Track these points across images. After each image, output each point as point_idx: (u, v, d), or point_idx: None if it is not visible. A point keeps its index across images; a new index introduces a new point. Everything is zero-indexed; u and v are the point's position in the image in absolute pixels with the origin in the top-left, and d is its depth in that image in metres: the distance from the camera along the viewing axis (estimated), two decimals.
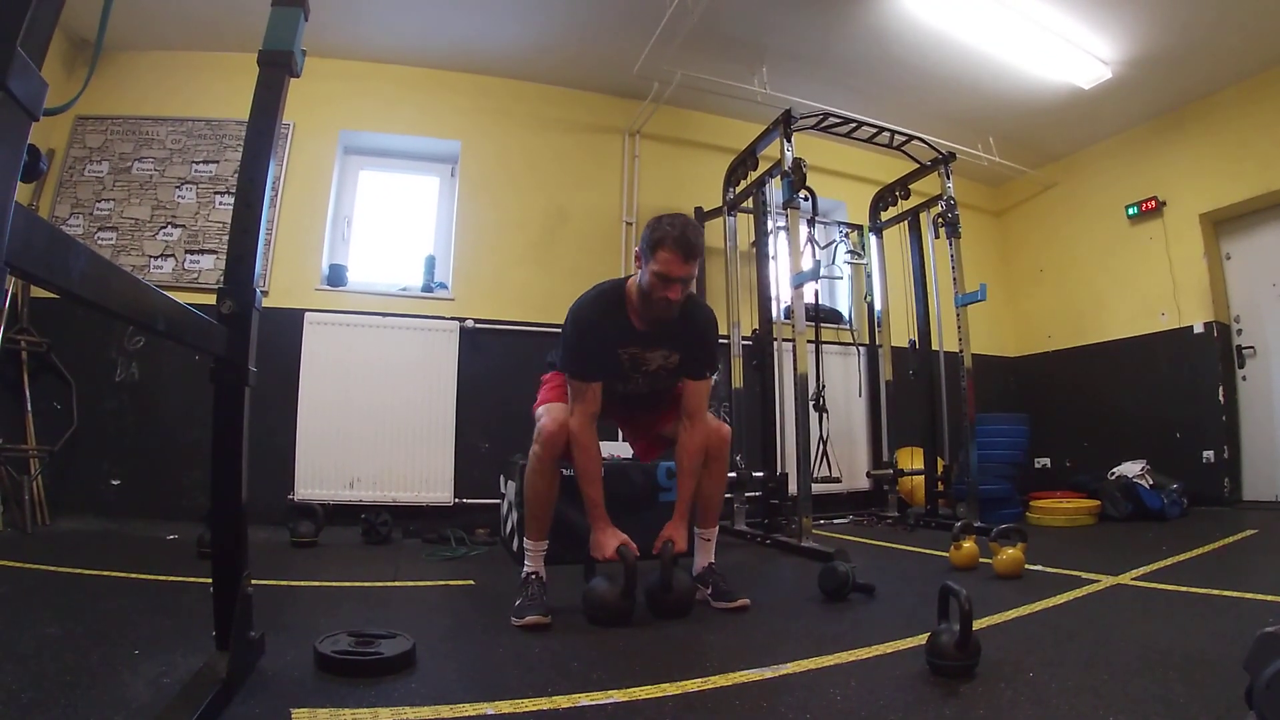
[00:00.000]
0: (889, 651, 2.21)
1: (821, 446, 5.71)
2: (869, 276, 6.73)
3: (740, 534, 5.13)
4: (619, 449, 4.77)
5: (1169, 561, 3.73)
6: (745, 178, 5.60)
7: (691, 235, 2.71)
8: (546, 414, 2.85)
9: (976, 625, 2.01)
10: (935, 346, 6.15)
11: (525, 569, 2.84)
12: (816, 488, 4.98)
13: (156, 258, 5.33)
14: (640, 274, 2.82)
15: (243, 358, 1.85)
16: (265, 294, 4.89)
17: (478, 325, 5.70)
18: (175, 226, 5.40)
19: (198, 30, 5.47)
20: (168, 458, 5.00)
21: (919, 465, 6.11)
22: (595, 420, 2.88)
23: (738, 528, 5.22)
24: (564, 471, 2.96)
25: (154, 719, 1.49)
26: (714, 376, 3.16)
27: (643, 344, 2.92)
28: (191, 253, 5.38)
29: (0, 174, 0.84)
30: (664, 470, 4.33)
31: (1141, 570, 3.48)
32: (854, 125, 5.55)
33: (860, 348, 6.73)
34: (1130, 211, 6.92)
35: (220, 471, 1.85)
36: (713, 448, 3.04)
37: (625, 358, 2.92)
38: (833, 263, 6.75)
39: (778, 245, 5.51)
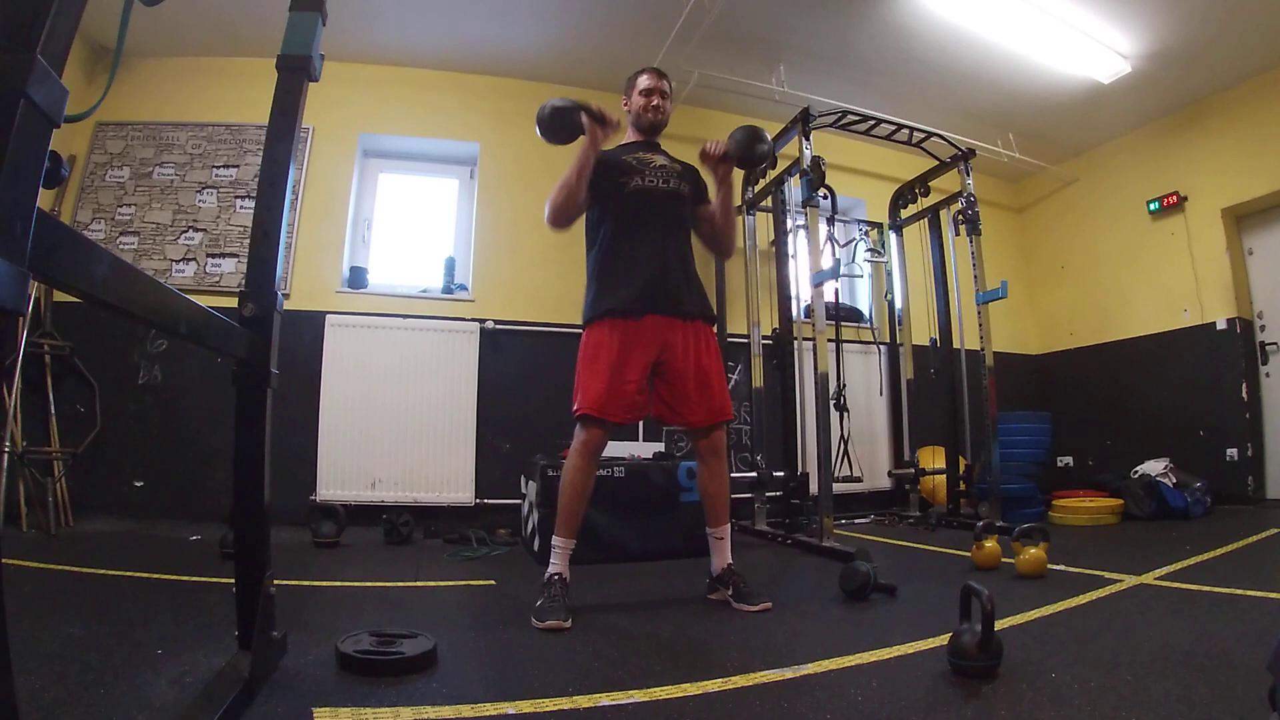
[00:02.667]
0: (910, 652, 2.20)
1: (842, 446, 5.70)
2: (889, 274, 6.71)
3: (761, 534, 5.12)
4: (639, 449, 4.79)
5: (1192, 561, 3.69)
6: (764, 176, 5.60)
7: (658, 68, 3.39)
8: (581, 428, 2.97)
9: (998, 625, 2.00)
10: (956, 344, 6.13)
11: (550, 569, 2.85)
12: (837, 487, 4.97)
13: (178, 261, 5.37)
14: (629, 113, 3.35)
15: (264, 360, 1.86)
16: (286, 297, 4.95)
17: (498, 326, 5.71)
18: (196, 230, 5.43)
19: (216, 36, 5.51)
20: (190, 459, 5.04)
21: (940, 464, 6.08)
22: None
23: (759, 527, 5.22)
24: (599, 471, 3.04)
25: (177, 718, 1.50)
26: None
27: (644, 149, 3.26)
28: (213, 256, 5.41)
29: (22, 180, 0.84)
30: (684, 470, 4.34)
31: (1165, 570, 3.45)
32: (873, 123, 5.54)
33: (881, 346, 6.69)
34: (1151, 207, 6.86)
35: (242, 472, 1.86)
36: (710, 446, 3.09)
37: (631, 160, 3.18)
38: (852, 261, 6.72)
39: (797, 244, 5.51)
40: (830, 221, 5.47)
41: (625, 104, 3.36)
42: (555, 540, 2.91)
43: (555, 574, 2.82)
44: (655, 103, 3.26)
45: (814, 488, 4.81)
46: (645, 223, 3.10)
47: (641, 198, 3.10)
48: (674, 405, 3.07)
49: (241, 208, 5.49)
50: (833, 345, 5.79)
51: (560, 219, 3.08)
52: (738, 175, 3.57)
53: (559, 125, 3.03)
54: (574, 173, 3.03)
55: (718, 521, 3.11)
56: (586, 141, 3.01)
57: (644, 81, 3.29)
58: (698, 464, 3.17)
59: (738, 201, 5.87)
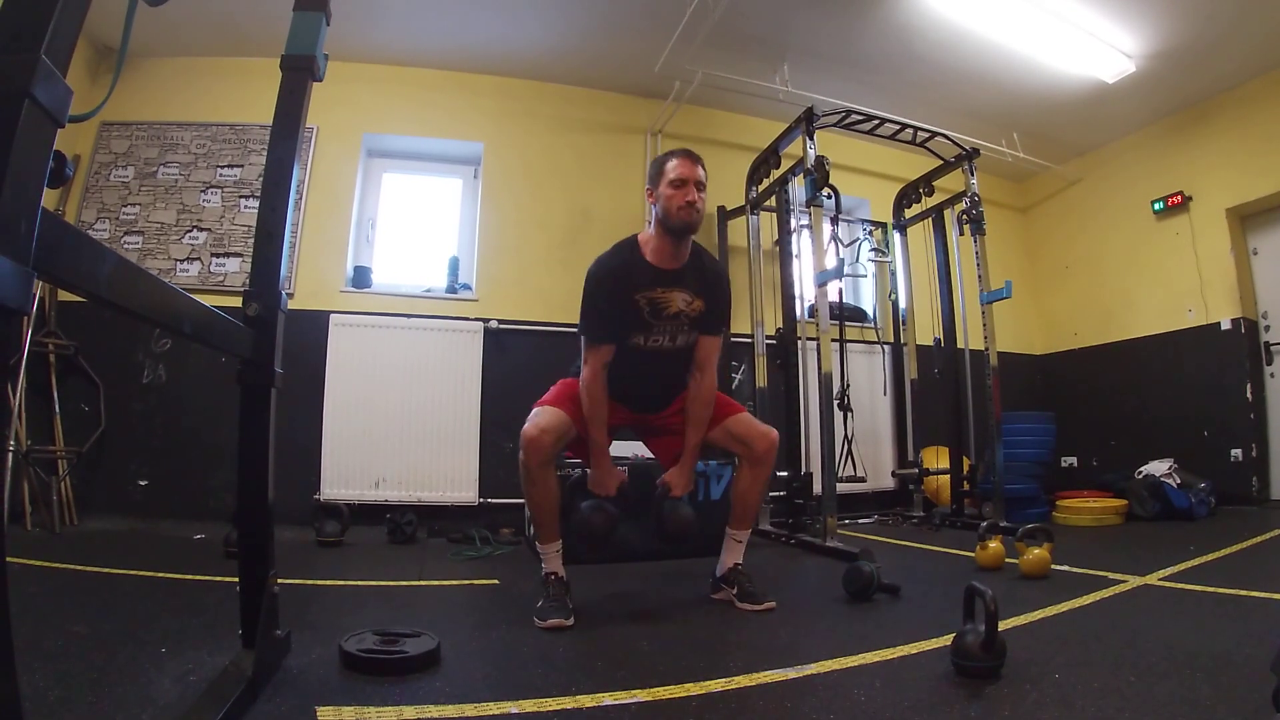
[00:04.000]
0: (914, 652, 2.20)
1: (846, 446, 5.71)
2: (893, 274, 6.71)
3: (765, 534, 5.12)
4: (641, 449, 4.77)
5: (1196, 562, 3.69)
6: (768, 176, 5.59)
7: (691, 150, 2.93)
8: (530, 420, 2.84)
9: (1002, 626, 2.00)
10: (960, 344, 6.12)
11: (543, 570, 2.85)
12: (841, 487, 4.97)
13: (182, 261, 5.38)
14: (653, 208, 2.91)
15: (268, 359, 1.87)
16: (291, 296, 4.96)
17: (502, 326, 5.71)
18: (201, 230, 5.44)
19: (220, 36, 5.52)
20: (194, 458, 5.05)
21: (944, 464, 6.07)
22: (606, 369, 2.88)
23: (762, 527, 5.21)
24: (561, 471, 3.02)
25: (180, 716, 1.50)
26: (723, 338, 3.15)
27: (663, 284, 2.89)
28: (217, 256, 5.42)
29: (27, 180, 0.85)
30: None
31: (1169, 570, 3.45)
32: (876, 122, 5.53)
33: (885, 346, 6.69)
34: (1156, 207, 6.84)
35: (247, 472, 1.87)
36: (761, 452, 3.00)
37: (644, 304, 2.87)
38: (856, 261, 6.73)
39: (801, 244, 5.50)
40: (834, 221, 5.46)
41: (650, 194, 2.95)
42: (540, 548, 2.89)
43: (550, 573, 2.82)
44: (690, 199, 2.81)
45: (818, 488, 4.81)
46: (643, 371, 3.00)
47: (645, 354, 2.95)
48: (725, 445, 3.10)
49: (246, 207, 5.50)
50: (836, 345, 5.81)
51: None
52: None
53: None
54: (587, 423, 2.91)
55: (742, 525, 3.10)
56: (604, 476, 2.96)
57: (675, 170, 2.84)
58: (740, 467, 3.09)
59: (741, 201, 5.88)
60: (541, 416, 2.84)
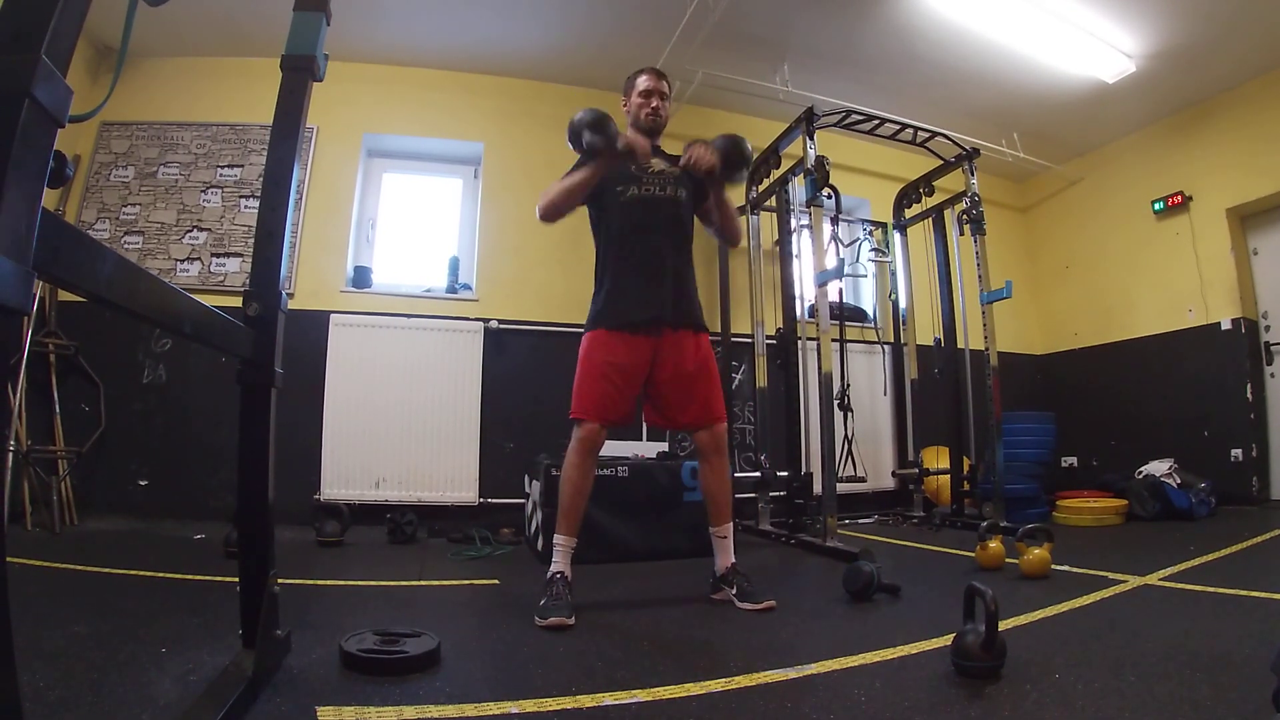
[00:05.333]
0: (914, 652, 2.20)
1: (846, 446, 5.71)
2: (893, 274, 6.70)
3: (765, 534, 5.12)
4: (642, 448, 4.78)
5: (1197, 562, 3.69)
6: (768, 176, 5.59)
7: (657, 68, 3.35)
8: (578, 427, 3.01)
9: (1002, 626, 2.00)
10: (961, 344, 6.12)
11: (552, 568, 2.87)
12: (841, 487, 4.97)
13: (183, 261, 5.38)
14: (628, 114, 3.32)
15: (269, 359, 1.87)
16: (291, 296, 4.96)
17: (502, 326, 5.72)
18: (201, 230, 5.44)
19: (221, 36, 5.52)
20: (195, 458, 5.05)
21: (944, 464, 6.07)
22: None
23: (762, 527, 5.22)
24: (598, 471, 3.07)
25: (181, 716, 1.50)
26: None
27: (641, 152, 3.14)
28: (217, 256, 5.42)
29: (27, 180, 0.85)
30: (688, 469, 4.34)
31: (1169, 570, 3.45)
32: (877, 122, 5.53)
33: (885, 346, 6.69)
34: (1156, 207, 6.85)
35: (247, 472, 1.87)
36: (708, 444, 3.11)
37: (629, 165, 3.12)
38: (857, 261, 6.74)
39: (801, 244, 5.50)
40: (834, 221, 5.46)
41: (624, 104, 3.34)
42: (556, 538, 2.94)
43: (557, 572, 2.84)
44: (654, 105, 3.24)
45: (818, 488, 4.81)
46: (642, 231, 3.12)
47: (638, 206, 3.13)
48: (663, 410, 3.15)
49: (246, 207, 5.50)
50: (837, 345, 5.81)
51: (552, 217, 3.12)
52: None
53: (589, 149, 2.96)
54: (579, 186, 3.04)
55: (720, 520, 3.12)
56: (599, 164, 3.00)
57: (643, 82, 3.27)
58: (699, 462, 3.19)
59: (741, 201, 5.87)
60: (592, 425, 3.01)
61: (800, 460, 5.25)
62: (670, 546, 4.19)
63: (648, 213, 3.13)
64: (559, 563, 2.88)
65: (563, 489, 3.00)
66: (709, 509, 3.14)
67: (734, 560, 3.06)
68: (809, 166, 4.62)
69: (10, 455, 4.40)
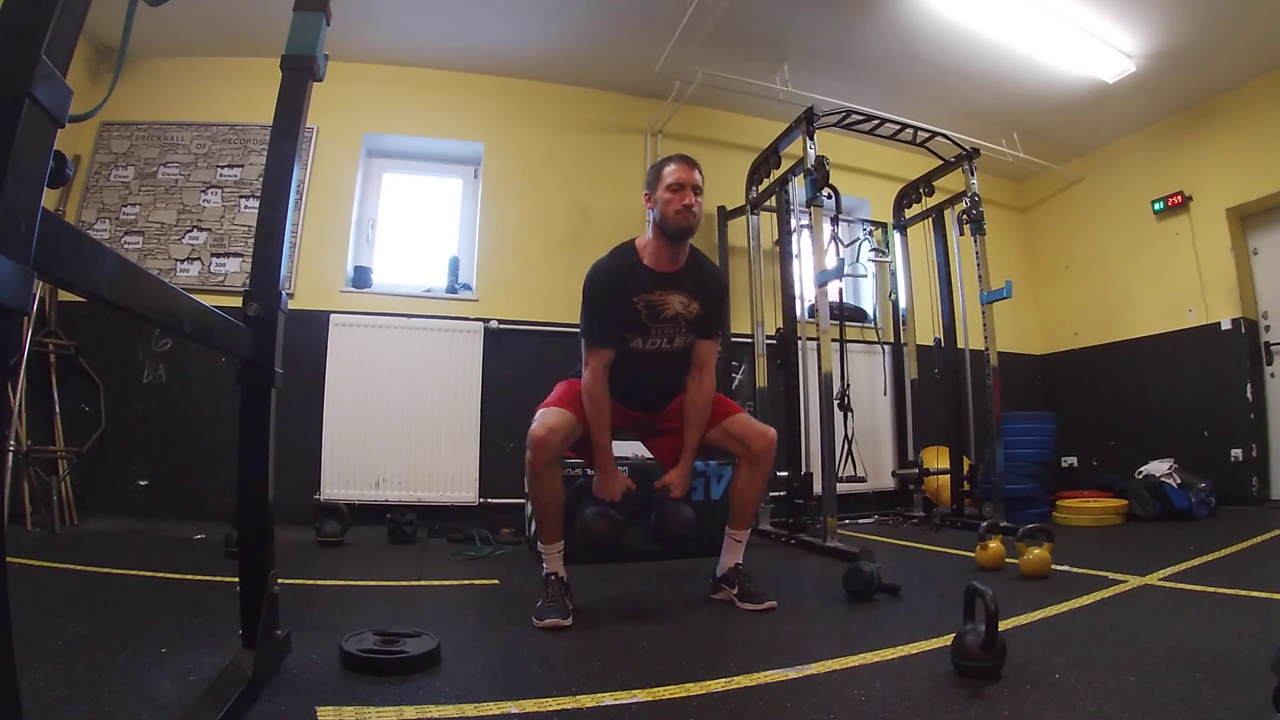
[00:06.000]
0: (914, 652, 2.20)
1: (846, 446, 5.71)
2: (893, 274, 6.71)
3: (765, 534, 5.12)
4: (641, 449, 4.77)
5: (1196, 562, 3.69)
6: (768, 176, 5.59)
7: (688, 156, 2.96)
8: (537, 420, 2.83)
9: (1002, 626, 2.00)
10: (961, 344, 6.13)
11: (544, 570, 2.86)
12: (841, 487, 4.97)
13: (183, 261, 5.38)
14: (651, 213, 2.95)
15: (269, 359, 1.87)
16: (291, 296, 4.96)
17: (502, 326, 5.72)
18: (201, 230, 5.44)
19: (221, 36, 5.52)
20: (195, 458, 5.05)
21: (944, 464, 6.07)
22: (608, 371, 2.91)
23: (762, 527, 5.21)
24: (569, 471, 3.03)
25: (181, 716, 1.50)
26: (720, 340, 3.21)
27: (660, 287, 2.93)
28: (217, 256, 5.42)
29: (27, 180, 0.85)
30: None
31: (1169, 570, 3.45)
32: (877, 122, 5.53)
33: (885, 346, 6.69)
34: (1156, 207, 6.84)
35: (247, 472, 1.87)
36: (759, 451, 3.01)
37: (641, 306, 2.91)
38: (856, 261, 6.73)
39: (801, 244, 5.49)
40: (834, 221, 5.46)
41: (647, 198, 2.98)
42: (541, 547, 2.90)
43: (551, 573, 2.82)
44: (687, 202, 2.84)
45: (818, 488, 4.81)
46: (643, 375, 3.03)
47: (643, 356, 2.99)
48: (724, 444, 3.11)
49: (246, 207, 5.50)
50: (837, 345, 5.81)
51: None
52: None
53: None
54: (590, 427, 2.91)
55: (742, 525, 3.10)
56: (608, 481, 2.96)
57: (672, 173, 2.88)
58: (739, 466, 3.09)
59: (740, 203, 5.88)
60: (549, 416, 2.83)
61: (800, 460, 5.25)
62: (671, 547, 4.18)
63: (653, 362, 3.01)
64: (551, 565, 2.85)
65: (531, 501, 2.95)
66: (734, 509, 3.10)
67: (740, 561, 3.06)
68: (809, 166, 4.62)
69: (10, 455, 4.39)
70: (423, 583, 3.47)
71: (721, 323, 3.12)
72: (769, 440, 3.02)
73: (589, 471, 3.06)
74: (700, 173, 2.92)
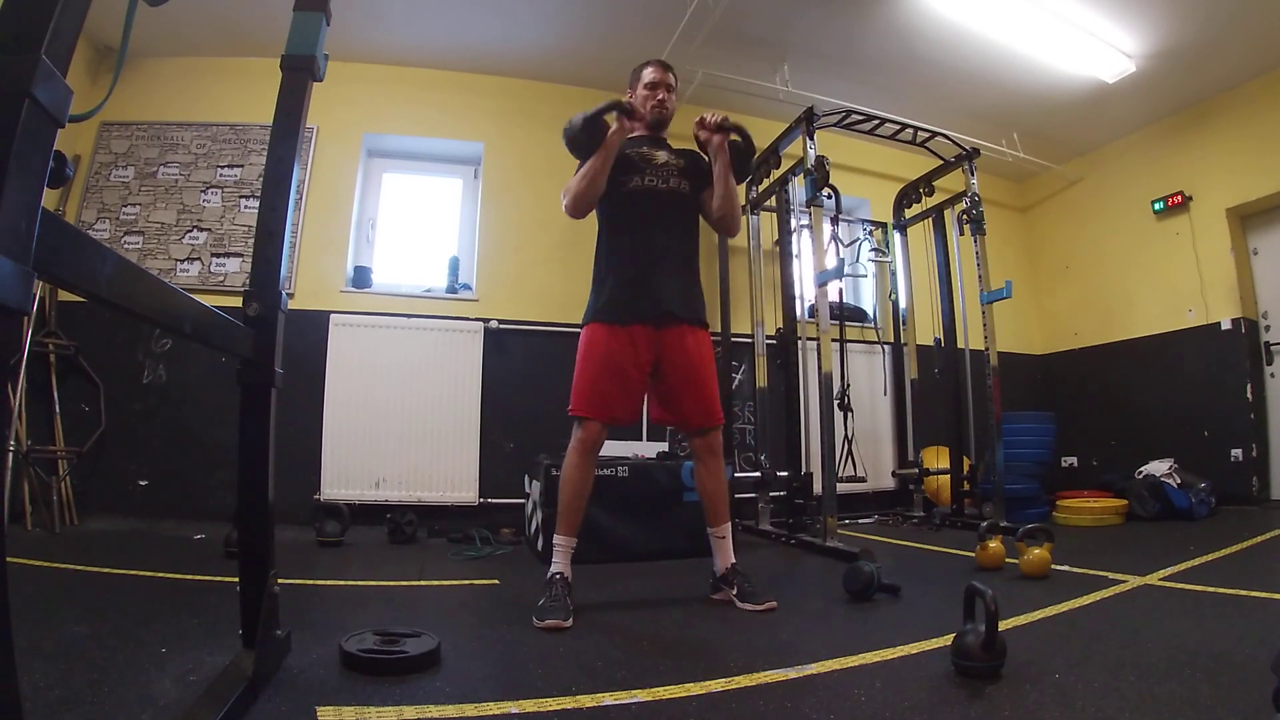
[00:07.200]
0: (914, 652, 2.20)
1: (846, 446, 5.71)
2: (893, 274, 6.71)
3: (765, 534, 5.12)
4: (642, 448, 4.78)
5: (1197, 562, 3.69)
6: (768, 176, 5.59)
7: (663, 60, 3.33)
8: (579, 426, 2.99)
9: (1002, 626, 2.00)
10: (961, 344, 6.13)
11: (552, 568, 2.86)
12: (841, 487, 4.97)
13: (183, 261, 5.38)
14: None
15: (269, 359, 1.86)
16: (291, 296, 4.96)
17: (502, 326, 5.71)
18: (201, 230, 5.44)
19: (221, 36, 5.52)
20: (195, 458, 5.05)
21: (944, 464, 6.07)
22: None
23: (762, 527, 5.22)
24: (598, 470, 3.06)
25: (181, 716, 1.50)
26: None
27: (648, 144, 3.22)
28: (217, 256, 5.42)
29: (27, 180, 0.85)
30: (687, 470, 4.34)
31: (1169, 570, 3.45)
32: (877, 122, 5.53)
33: (885, 346, 6.70)
34: (1156, 207, 6.85)
35: (247, 472, 1.87)
36: (703, 447, 3.12)
37: (634, 155, 3.15)
38: (857, 261, 6.73)
39: (801, 243, 5.50)
40: (834, 221, 5.46)
41: (629, 96, 3.27)
42: (556, 539, 2.93)
43: (557, 573, 2.83)
44: (660, 97, 3.20)
45: (818, 488, 4.81)
46: (643, 222, 3.10)
47: (641, 197, 3.11)
48: (669, 405, 3.14)
49: (246, 207, 5.50)
50: (837, 345, 5.82)
51: (581, 206, 3.08)
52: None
53: (591, 132, 2.99)
54: (600, 161, 3.00)
55: (718, 520, 3.12)
56: (614, 131, 3.01)
57: (649, 74, 3.24)
58: (695, 464, 3.19)
59: (741, 201, 5.88)
60: (594, 424, 2.99)
61: (800, 460, 5.26)
62: (670, 547, 4.19)
63: (651, 205, 3.11)
64: (559, 563, 2.87)
65: (562, 489, 2.99)
66: (706, 510, 3.14)
67: (734, 560, 3.06)
68: (809, 166, 4.62)
69: (10, 455, 4.40)
70: (423, 583, 3.47)
71: (708, 170, 3.27)
72: (710, 435, 3.14)
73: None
74: (674, 74, 3.30)
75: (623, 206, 3.11)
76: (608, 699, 1.78)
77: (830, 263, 4.95)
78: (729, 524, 3.15)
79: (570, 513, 2.96)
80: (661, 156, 3.19)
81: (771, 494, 5.40)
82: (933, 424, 6.33)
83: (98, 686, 1.75)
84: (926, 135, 5.67)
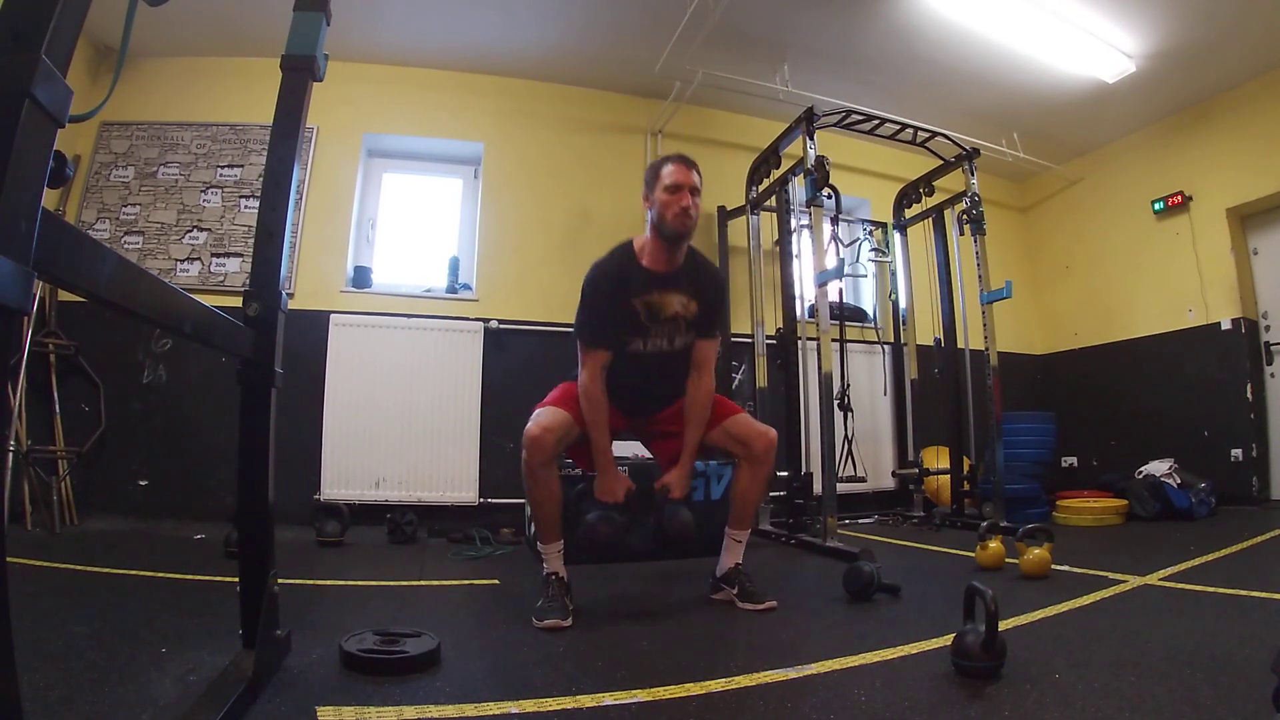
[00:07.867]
0: (914, 652, 2.20)
1: (846, 446, 5.71)
2: (893, 274, 6.71)
3: (765, 534, 5.11)
4: (641, 449, 4.77)
5: (1196, 562, 3.69)
6: (768, 176, 5.59)
7: (686, 156, 2.91)
8: (532, 420, 2.85)
9: (1002, 626, 2.00)
10: (961, 344, 6.12)
11: (544, 570, 2.85)
12: (841, 487, 4.97)
13: (183, 261, 5.38)
14: (649, 213, 2.92)
15: (269, 359, 1.87)
16: (291, 296, 4.95)
17: (502, 326, 5.71)
18: (201, 230, 5.44)
19: (221, 36, 5.52)
20: (195, 458, 5.05)
21: (944, 464, 6.07)
22: (604, 372, 2.89)
23: (762, 527, 5.21)
24: (566, 471, 3.01)
25: (180, 716, 1.50)
26: (719, 340, 3.19)
27: (660, 286, 2.91)
28: (217, 256, 5.42)
29: (27, 180, 0.85)
30: None
31: (1169, 570, 3.44)
32: (877, 122, 5.52)
33: (885, 346, 6.70)
34: (1156, 207, 6.84)
35: (247, 472, 1.87)
36: (760, 451, 2.98)
37: (641, 307, 2.89)
38: (857, 261, 6.73)
39: (801, 244, 5.49)
40: (834, 221, 5.46)
41: (646, 199, 2.94)
42: (541, 548, 2.90)
43: (551, 573, 2.81)
44: (684, 205, 2.80)
45: (818, 488, 4.81)
46: (643, 377, 3.01)
47: (644, 359, 2.96)
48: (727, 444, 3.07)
49: (246, 207, 5.50)
50: (837, 345, 5.82)
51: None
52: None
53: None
54: (588, 428, 2.91)
55: (741, 525, 3.09)
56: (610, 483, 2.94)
57: (670, 174, 2.84)
58: (739, 467, 3.07)
59: (740, 203, 5.89)
60: (544, 416, 2.85)
61: (800, 460, 5.25)
62: (670, 549, 4.18)
63: (655, 363, 2.98)
64: (551, 565, 2.85)
65: (528, 500, 2.91)
66: (734, 509, 3.08)
67: (739, 561, 3.05)
68: (809, 166, 4.62)
69: (10, 455, 4.40)
70: (423, 583, 3.47)
71: (721, 321, 3.08)
72: (769, 440, 3.00)
73: (591, 476, 3.04)
74: (698, 173, 2.88)
75: (624, 360, 2.94)
76: (608, 699, 1.78)
77: (830, 263, 4.95)
78: (749, 531, 3.12)
79: (548, 523, 2.87)
80: (672, 306, 2.93)
81: (772, 494, 5.40)
82: (933, 424, 6.33)
83: (98, 686, 1.75)
84: (926, 135, 5.67)
